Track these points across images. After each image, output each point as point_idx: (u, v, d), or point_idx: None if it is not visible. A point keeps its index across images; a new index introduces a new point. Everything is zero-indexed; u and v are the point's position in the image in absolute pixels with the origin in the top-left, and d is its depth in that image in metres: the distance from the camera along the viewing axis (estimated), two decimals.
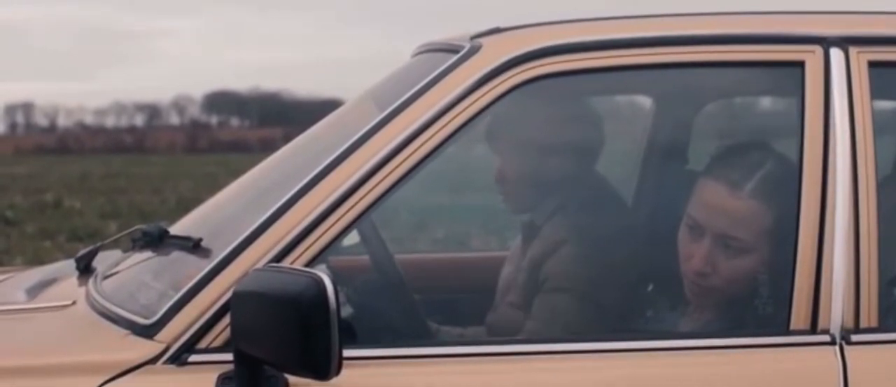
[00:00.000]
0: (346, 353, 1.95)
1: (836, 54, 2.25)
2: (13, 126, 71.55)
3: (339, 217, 2.14)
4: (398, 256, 2.67)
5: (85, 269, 2.73)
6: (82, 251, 2.80)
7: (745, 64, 2.30)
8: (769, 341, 2.17)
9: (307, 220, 2.13)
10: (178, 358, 2.08)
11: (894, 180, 2.46)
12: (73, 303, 2.42)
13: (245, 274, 2.06)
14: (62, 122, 71.65)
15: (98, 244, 2.84)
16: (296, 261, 2.11)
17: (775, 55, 2.28)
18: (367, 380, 2.07)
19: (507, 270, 2.72)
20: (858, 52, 2.25)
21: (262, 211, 2.16)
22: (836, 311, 2.15)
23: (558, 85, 2.32)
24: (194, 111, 72.34)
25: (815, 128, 2.22)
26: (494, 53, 2.25)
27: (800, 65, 2.25)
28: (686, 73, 2.39)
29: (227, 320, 2.06)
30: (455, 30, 2.56)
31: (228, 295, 2.05)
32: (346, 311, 2.34)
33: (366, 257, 2.57)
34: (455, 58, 2.27)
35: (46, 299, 2.53)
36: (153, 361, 2.07)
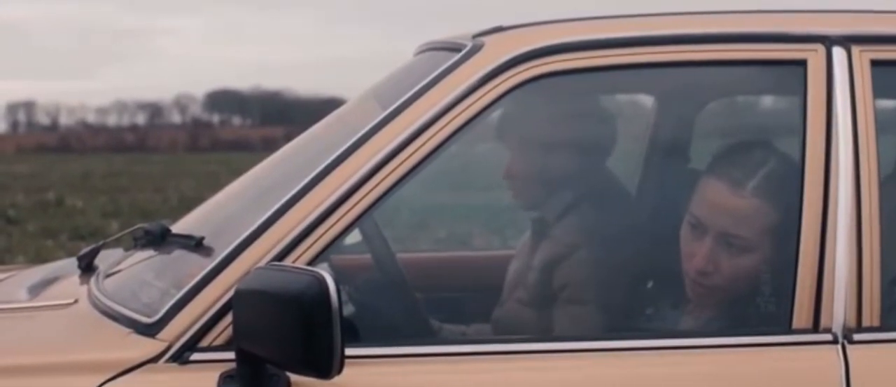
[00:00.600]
0: (348, 351, 1.95)
1: (838, 53, 2.24)
2: (15, 125, 71.58)
3: (340, 216, 2.14)
4: (400, 255, 2.67)
5: (87, 267, 2.73)
6: (84, 250, 2.80)
7: (747, 62, 2.30)
8: (771, 339, 2.17)
9: (309, 218, 2.13)
10: (180, 357, 2.08)
11: None
12: (75, 301, 2.42)
13: (247, 273, 2.06)
14: (64, 120, 71.71)
15: (100, 243, 2.83)
16: (298, 259, 2.11)
17: (778, 54, 2.28)
18: (369, 379, 2.07)
19: (515, 266, 2.73)
20: (861, 51, 2.25)
21: (264, 210, 2.16)
22: (839, 310, 2.15)
23: (562, 83, 2.32)
24: (196, 110, 72.40)
25: (817, 126, 2.22)
26: (496, 52, 2.25)
27: (802, 63, 2.25)
28: (688, 72, 2.39)
29: (229, 318, 2.06)
30: (458, 28, 2.57)
31: (230, 294, 2.05)
32: (348, 309, 2.34)
33: (368, 256, 2.57)
34: (457, 56, 2.27)
35: (48, 298, 2.53)
36: (155, 359, 2.07)
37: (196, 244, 2.29)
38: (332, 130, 2.54)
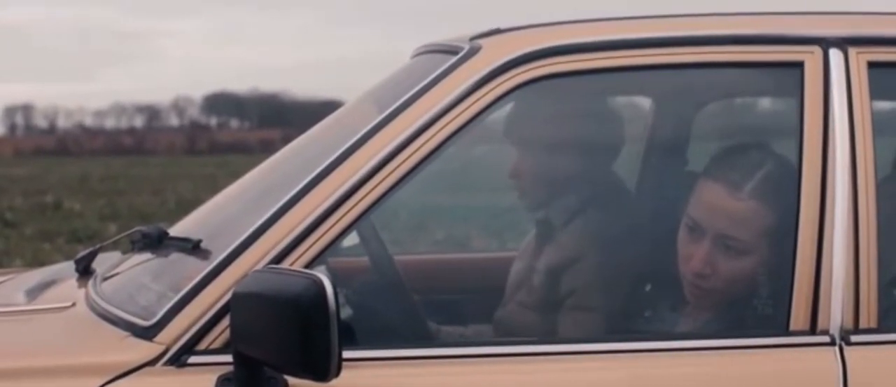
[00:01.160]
0: (346, 354, 1.95)
1: (835, 55, 2.25)
2: (13, 128, 71.60)
3: (338, 218, 2.14)
4: (398, 258, 2.67)
5: (84, 270, 2.73)
6: (82, 253, 2.80)
7: (744, 65, 2.30)
8: (769, 341, 2.17)
9: (307, 221, 2.13)
10: (178, 360, 2.08)
11: (894, 180, 2.46)
12: (73, 305, 2.42)
13: (245, 275, 2.06)
14: (62, 123, 71.71)
15: (97, 246, 2.83)
16: (295, 262, 2.11)
17: (774, 56, 2.28)
18: (367, 381, 2.07)
19: (518, 267, 2.73)
20: (858, 53, 2.25)
21: (262, 212, 2.16)
22: (836, 311, 2.15)
23: (561, 85, 2.32)
24: (194, 112, 72.41)
25: (814, 128, 2.22)
26: (494, 55, 2.25)
27: (799, 65, 2.26)
28: (685, 74, 2.39)
29: (226, 321, 2.06)
30: (455, 30, 2.57)
31: (228, 296, 2.05)
32: (346, 312, 2.34)
33: (365, 259, 2.57)
34: (454, 59, 2.27)
35: (46, 301, 2.52)
36: (152, 362, 2.07)
37: (193, 247, 2.29)
38: (329, 133, 2.54)
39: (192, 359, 2.08)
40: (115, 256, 2.82)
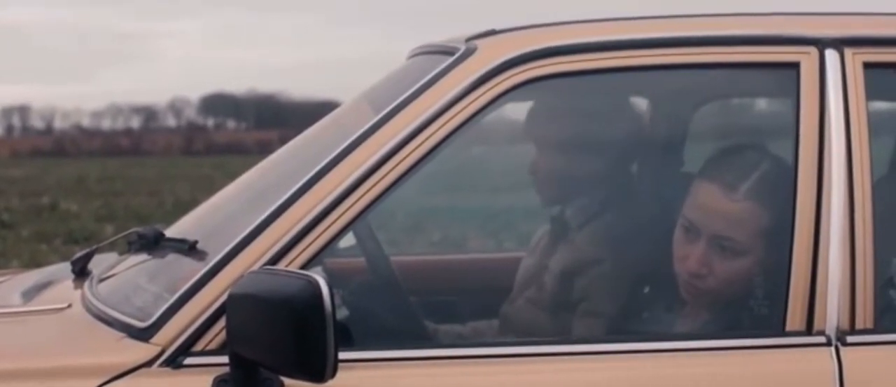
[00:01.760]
0: (342, 355, 1.95)
1: (831, 56, 2.25)
2: (9, 129, 71.59)
3: (334, 219, 2.14)
4: (394, 258, 2.67)
5: (81, 272, 2.72)
6: (78, 254, 2.80)
7: (740, 65, 2.31)
8: (765, 342, 2.17)
9: (303, 222, 2.13)
10: (174, 361, 2.07)
11: (890, 181, 2.46)
12: (69, 306, 2.41)
13: (241, 277, 2.05)
14: (58, 124, 71.70)
15: (94, 247, 2.83)
16: (291, 263, 2.11)
17: (770, 56, 2.28)
18: (363, 382, 2.07)
19: (528, 262, 2.74)
20: (854, 54, 2.25)
21: (258, 213, 2.16)
22: (832, 312, 2.16)
23: (564, 85, 2.33)
24: (191, 113, 72.42)
25: (810, 129, 2.22)
26: (490, 55, 2.25)
27: (795, 66, 2.26)
28: (681, 75, 2.40)
29: (222, 322, 2.06)
30: (452, 31, 2.57)
31: (224, 298, 2.05)
32: (342, 313, 2.34)
33: (362, 260, 2.57)
34: (450, 60, 2.28)
35: (42, 302, 2.52)
36: (149, 364, 2.07)
37: (190, 248, 2.29)
38: (326, 134, 2.54)
39: (189, 360, 2.08)
40: (111, 257, 2.82)
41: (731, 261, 2.30)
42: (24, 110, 73.06)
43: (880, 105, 2.49)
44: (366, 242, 2.55)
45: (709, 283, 2.32)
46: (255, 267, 2.09)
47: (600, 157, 2.66)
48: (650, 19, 2.34)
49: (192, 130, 66.01)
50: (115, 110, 73.41)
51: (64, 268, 2.87)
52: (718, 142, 2.62)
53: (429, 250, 7.43)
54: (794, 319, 2.17)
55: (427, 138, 2.19)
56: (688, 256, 2.32)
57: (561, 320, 2.54)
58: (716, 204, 2.31)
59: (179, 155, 50.58)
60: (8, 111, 71.21)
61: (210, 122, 72.91)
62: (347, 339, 2.15)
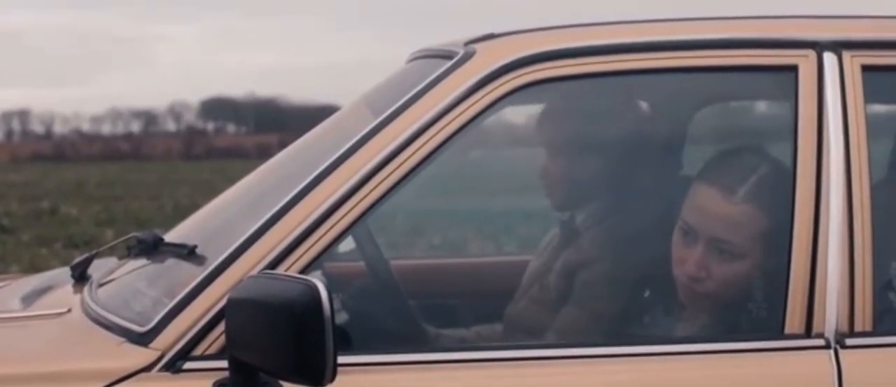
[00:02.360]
0: (341, 359, 1.95)
1: (829, 58, 2.25)
2: (9, 133, 71.62)
3: (333, 223, 2.14)
4: (393, 262, 2.67)
5: (80, 276, 2.72)
6: (78, 259, 2.80)
7: (738, 68, 2.31)
8: (763, 345, 2.17)
9: (302, 226, 2.13)
10: (173, 365, 2.08)
11: (888, 184, 2.46)
12: (69, 311, 2.41)
13: (240, 281, 2.05)
14: (58, 129, 71.74)
15: (93, 252, 2.83)
16: (291, 267, 2.11)
17: (769, 59, 2.28)
18: (362, 386, 2.07)
19: (535, 264, 2.75)
20: (852, 57, 2.25)
21: (257, 217, 2.16)
22: (831, 315, 2.16)
23: (563, 89, 2.33)
24: (190, 118, 72.49)
25: (808, 132, 2.22)
26: (488, 59, 2.25)
27: (793, 69, 2.26)
28: (680, 78, 2.39)
29: (221, 327, 2.06)
30: (452, 35, 2.57)
31: (223, 302, 2.05)
32: (342, 317, 2.34)
33: (361, 263, 2.57)
34: (449, 64, 2.28)
35: (42, 307, 2.52)
36: (148, 368, 2.07)
37: (189, 253, 2.29)
38: (325, 138, 2.55)
39: (188, 365, 2.08)
40: (111, 261, 2.82)
41: (728, 264, 2.31)
42: (23, 115, 73.17)
43: (878, 108, 2.49)
44: (365, 246, 2.55)
45: (707, 286, 2.32)
46: (255, 271, 2.09)
47: (601, 161, 2.66)
48: (649, 23, 2.34)
49: (192, 134, 66.05)
50: (115, 115, 73.53)
51: (63, 273, 2.87)
52: (717, 145, 2.62)
53: (428, 254, 7.44)
54: (793, 321, 2.17)
55: (426, 142, 2.19)
56: (686, 259, 2.33)
57: (562, 322, 2.54)
58: (714, 207, 2.32)
59: (179, 159, 50.60)
60: (8, 116, 71.31)
61: (210, 126, 73.01)
62: (346, 343, 2.15)
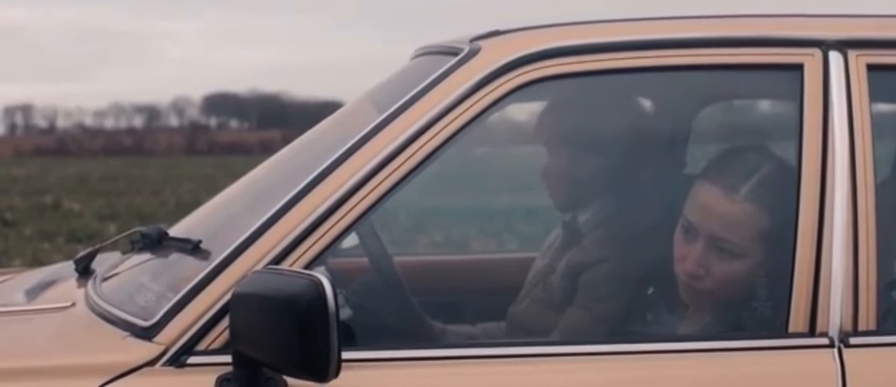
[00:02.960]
0: (345, 355, 1.95)
1: (834, 57, 2.25)
2: (12, 128, 71.70)
3: (338, 219, 2.14)
4: (397, 258, 2.67)
5: (84, 271, 2.73)
6: (81, 253, 2.80)
7: (743, 67, 2.30)
8: (767, 343, 2.17)
9: (306, 222, 2.13)
10: (177, 360, 2.08)
11: (893, 183, 2.46)
12: (72, 305, 2.42)
13: (244, 276, 2.06)
14: (61, 123, 71.83)
15: (97, 246, 2.83)
16: (295, 263, 2.11)
17: (774, 58, 2.28)
18: (366, 382, 2.07)
19: (540, 264, 2.75)
20: (857, 56, 2.25)
21: (262, 213, 2.16)
22: (835, 313, 2.16)
23: (565, 87, 2.33)
24: (193, 113, 72.55)
25: (813, 131, 2.22)
26: (493, 56, 2.25)
27: (799, 68, 2.26)
28: (685, 76, 2.39)
29: (226, 321, 2.06)
30: (456, 32, 2.57)
31: (227, 297, 2.05)
32: (345, 313, 2.34)
33: (365, 260, 2.57)
34: (454, 60, 2.28)
35: (45, 301, 2.53)
36: (152, 363, 2.07)
37: (193, 247, 2.29)
38: (329, 134, 2.55)
39: (192, 359, 2.08)
40: (114, 256, 2.82)
41: (728, 263, 2.30)
42: (26, 109, 73.24)
43: (884, 107, 2.48)
44: (369, 243, 2.55)
45: (706, 284, 2.32)
46: (259, 266, 2.09)
47: (605, 159, 2.66)
48: (654, 20, 2.34)
49: (195, 129, 66.08)
50: (118, 109, 73.61)
51: (67, 267, 2.87)
52: (722, 143, 2.62)
53: (432, 250, 7.44)
54: (797, 320, 2.17)
55: (430, 139, 2.19)
56: (686, 257, 2.33)
57: (565, 323, 2.54)
58: (715, 205, 2.31)
59: (182, 154, 50.61)
60: (11, 110, 71.38)
61: (213, 121, 73.03)
62: (350, 339, 2.15)
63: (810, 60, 2.25)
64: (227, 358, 2.03)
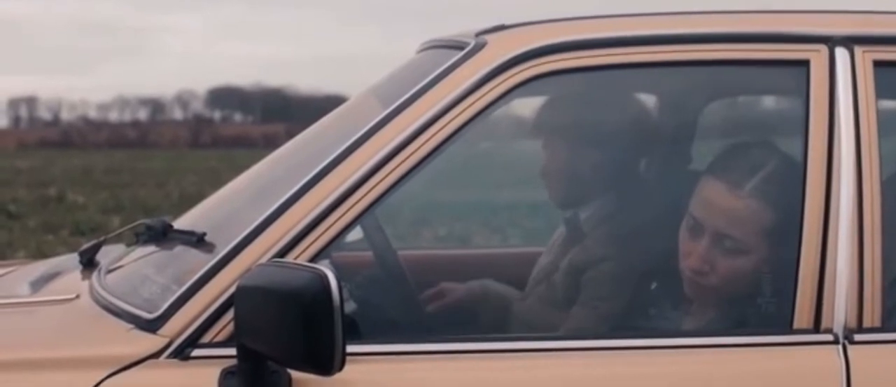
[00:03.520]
0: (350, 348, 1.95)
1: (841, 53, 2.24)
2: (17, 120, 71.74)
3: (342, 213, 2.14)
4: (401, 252, 2.67)
5: (88, 263, 2.73)
6: (86, 245, 2.81)
7: (750, 63, 2.30)
8: (772, 339, 2.17)
9: (311, 215, 2.13)
10: (182, 352, 2.08)
11: None
12: (77, 297, 2.42)
13: (249, 269, 2.06)
14: (65, 116, 71.88)
15: (101, 238, 2.84)
16: (300, 256, 2.11)
17: (780, 54, 2.28)
18: (370, 376, 2.07)
19: (544, 261, 2.75)
20: (863, 52, 2.25)
21: (267, 206, 2.16)
22: (840, 310, 2.15)
23: (570, 82, 2.32)
24: (198, 106, 72.58)
25: (819, 127, 2.22)
26: (499, 50, 2.25)
27: (805, 64, 2.25)
28: (691, 72, 2.39)
29: (230, 314, 2.06)
30: (461, 26, 2.57)
31: (232, 290, 2.05)
32: (350, 306, 2.34)
33: (369, 253, 2.57)
34: (460, 54, 2.27)
35: (50, 293, 2.53)
36: (156, 355, 2.07)
37: (198, 240, 2.29)
38: (333, 128, 2.55)
39: (196, 352, 2.08)
40: (119, 248, 2.82)
41: (733, 259, 2.30)
42: (31, 102, 73.31)
43: (890, 103, 2.48)
44: (373, 236, 2.55)
45: (711, 280, 2.32)
46: (264, 259, 2.09)
47: (610, 155, 2.65)
48: (660, 16, 2.34)
49: (199, 122, 66.13)
50: (122, 102, 73.66)
51: (72, 259, 2.87)
52: (727, 139, 2.61)
53: (436, 245, 7.44)
54: (802, 317, 2.17)
55: (435, 133, 2.18)
56: (691, 253, 2.32)
57: (570, 322, 2.54)
58: (720, 201, 2.31)
59: (186, 147, 50.64)
60: (15, 102, 71.41)
61: (217, 114, 73.08)
62: (355, 332, 2.15)
63: (816, 56, 2.25)
64: (232, 351, 2.03)
